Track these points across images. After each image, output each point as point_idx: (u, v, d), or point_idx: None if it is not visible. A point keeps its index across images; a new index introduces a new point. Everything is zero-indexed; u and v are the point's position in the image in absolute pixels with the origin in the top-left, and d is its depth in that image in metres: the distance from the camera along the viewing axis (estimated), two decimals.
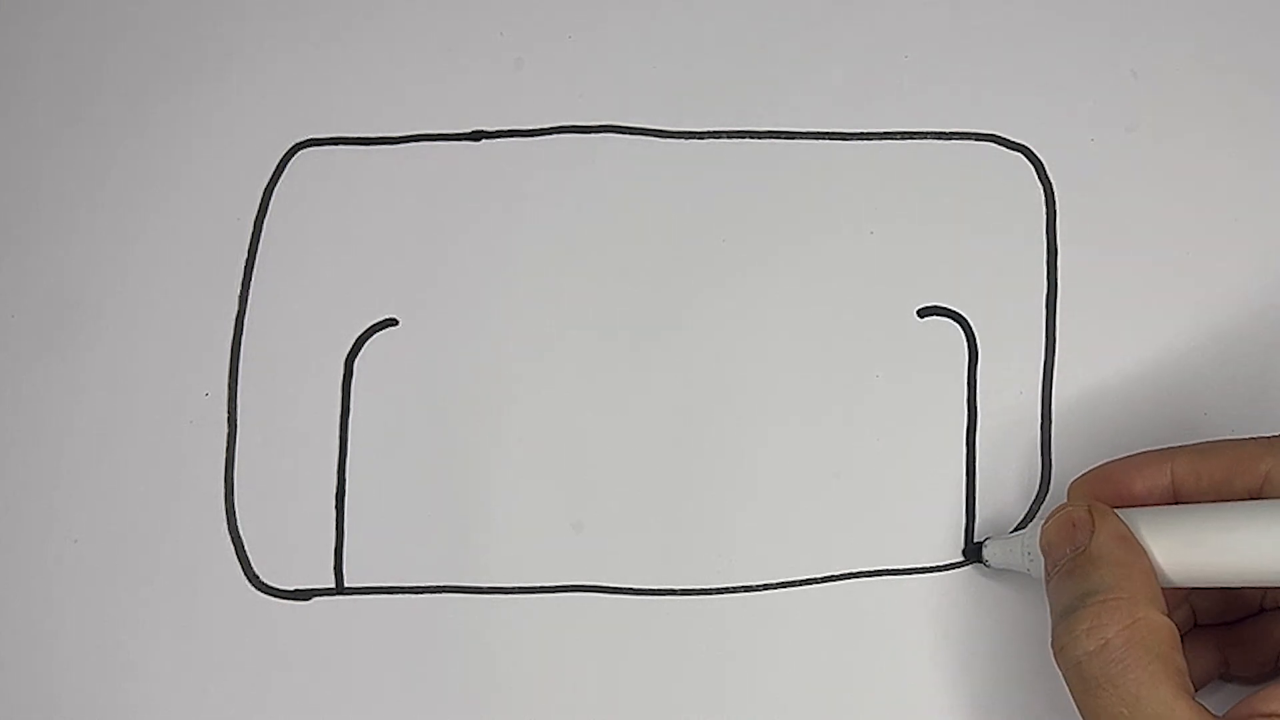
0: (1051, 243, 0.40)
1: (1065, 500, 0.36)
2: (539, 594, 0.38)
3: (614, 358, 0.40)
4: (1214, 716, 0.31)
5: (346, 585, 0.39)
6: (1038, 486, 0.39)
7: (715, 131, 0.41)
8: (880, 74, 0.41)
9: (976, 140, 0.41)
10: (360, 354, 0.40)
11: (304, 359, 0.40)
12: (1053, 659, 0.32)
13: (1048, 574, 0.34)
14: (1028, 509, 0.39)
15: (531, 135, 0.41)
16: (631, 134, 0.41)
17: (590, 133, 0.41)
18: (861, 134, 0.41)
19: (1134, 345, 0.39)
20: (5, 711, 0.38)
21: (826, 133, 0.41)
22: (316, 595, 0.39)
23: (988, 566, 0.38)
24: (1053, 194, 0.40)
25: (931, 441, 0.38)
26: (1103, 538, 0.33)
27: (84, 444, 0.40)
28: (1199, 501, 0.34)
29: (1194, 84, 0.41)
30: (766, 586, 0.38)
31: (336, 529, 0.39)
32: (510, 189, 0.41)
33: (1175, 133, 0.40)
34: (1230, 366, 0.39)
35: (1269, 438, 0.34)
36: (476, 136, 0.41)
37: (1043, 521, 0.35)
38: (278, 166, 0.41)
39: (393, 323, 0.40)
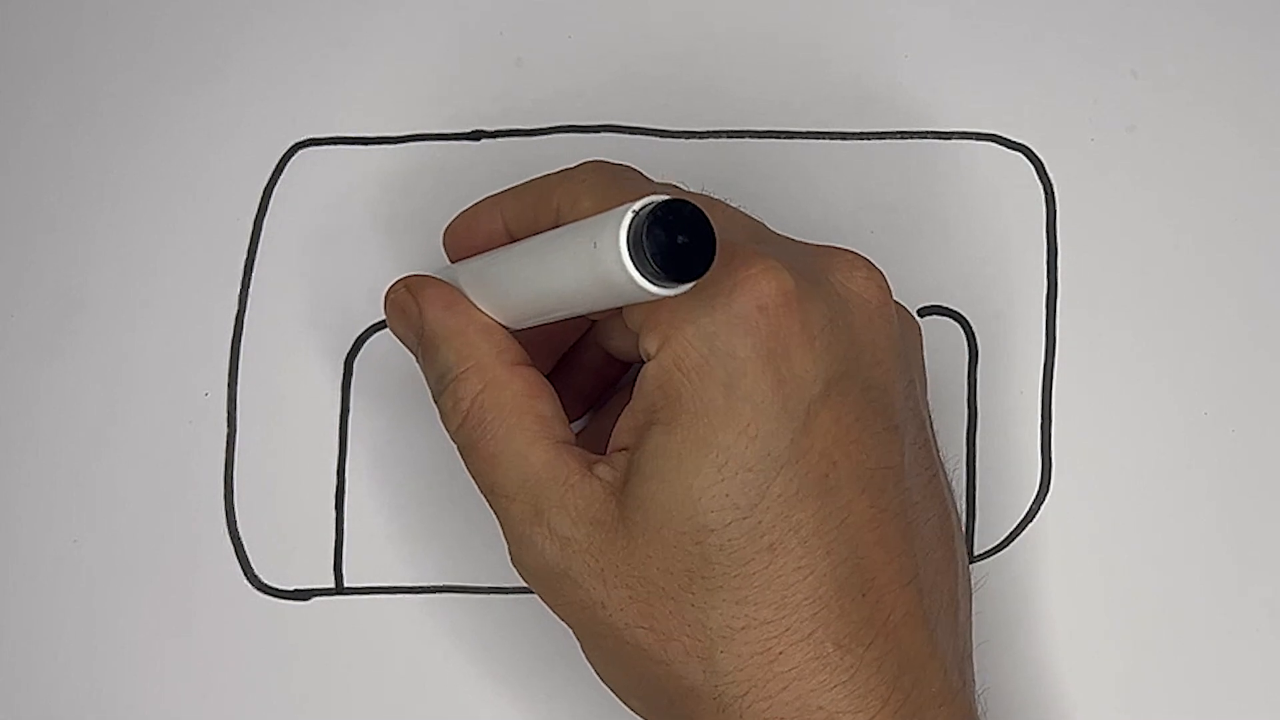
0: (1051, 243, 0.40)
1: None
2: None
3: None
4: (580, 454, 0.31)
5: (346, 585, 0.39)
6: (1038, 486, 0.39)
7: (715, 131, 0.41)
8: (880, 74, 0.41)
9: (976, 140, 0.40)
10: (360, 354, 0.40)
11: (304, 359, 0.40)
12: None
13: (419, 363, 0.34)
14: (1027, 509, 0.39)
15: (531, 135, 0.41)
16: (631, 134, 0.41)
17: (590, 132, 0.41)
18: (861, 134, 0.41)
19: (1134, 345, 0.39)
20: (5, 711, 0.38)
21: (826, 132, 0.41)
22: (316, 595, 0.39)
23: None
24: (1053, 194, 0.40)
25: None
26: (430, 314, 0.33)
27: (84, 444, 0.40)
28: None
29: (1194, 84, 0.41)
30: None
31: (336, 529, 0.39)
32: None
33: (1175, 133, 0.40)
34: (1230, 366, 0.39)
35: (566, 170, 0.33)
36: (476, 136, 0.41)
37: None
38: (277, 166, 0.41)
39: None
